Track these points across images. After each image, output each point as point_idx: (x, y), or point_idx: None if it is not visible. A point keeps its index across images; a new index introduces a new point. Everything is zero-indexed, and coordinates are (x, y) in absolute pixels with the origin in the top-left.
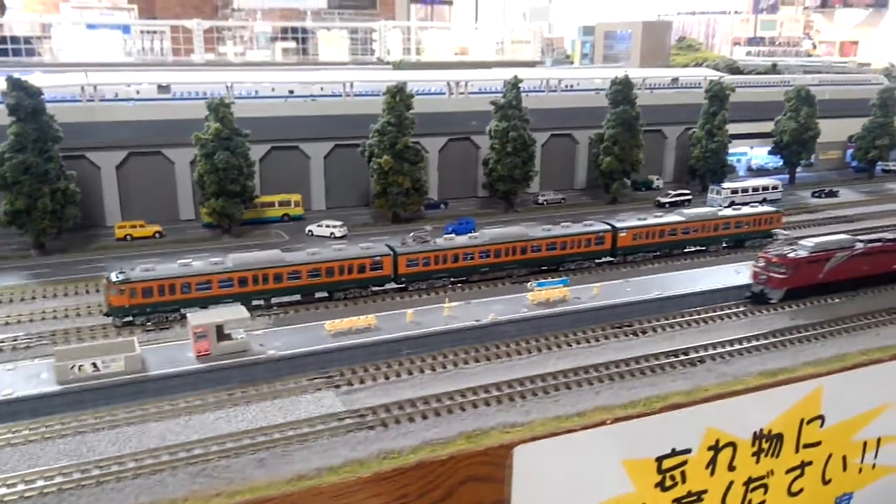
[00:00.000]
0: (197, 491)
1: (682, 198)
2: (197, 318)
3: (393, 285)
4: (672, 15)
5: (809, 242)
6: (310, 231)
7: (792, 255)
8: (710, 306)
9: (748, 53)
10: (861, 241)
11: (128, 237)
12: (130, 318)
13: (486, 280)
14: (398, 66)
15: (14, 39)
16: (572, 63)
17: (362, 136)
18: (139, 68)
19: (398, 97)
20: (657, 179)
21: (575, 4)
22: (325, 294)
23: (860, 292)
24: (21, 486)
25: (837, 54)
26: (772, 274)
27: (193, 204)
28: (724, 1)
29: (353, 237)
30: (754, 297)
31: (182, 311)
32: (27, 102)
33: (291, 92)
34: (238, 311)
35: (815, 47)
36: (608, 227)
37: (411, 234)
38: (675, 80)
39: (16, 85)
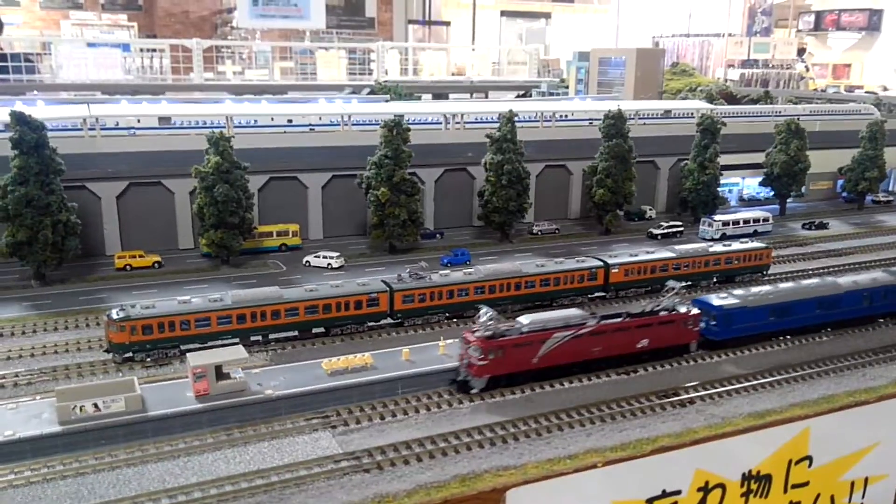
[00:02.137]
0: None
1: (675, 229)
2: (196, 358)
3: (389, 321)
4: (667, 37)
5: (526, 319)
6: (307, 262)
7: (494, 335)
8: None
9: (742, 75)
10: (595, 317)
11: (127, 267)
12: (130, 355)
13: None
14: (394, 90)
15: (14, 57)
16: (567, 87)
17: (360, 166)
18: (140, 97)
19: (395, 131)
20: (650, 210)
21: (570, 27)
22: (322, 330)
23: (847, 331)
24: None
25: (830, 77)
26: (471, 359)
27: (192, 234)
28: (718, 24)
29: (350, 268)
30: (459, 385)
31: (181, 347)
32: (30, 137)
33: (290, 121)
34: (236, 351)
35: (808, 70)
36: (600, 263)
37: (407, 269)
38: (667, 112)
39: (20, 119)
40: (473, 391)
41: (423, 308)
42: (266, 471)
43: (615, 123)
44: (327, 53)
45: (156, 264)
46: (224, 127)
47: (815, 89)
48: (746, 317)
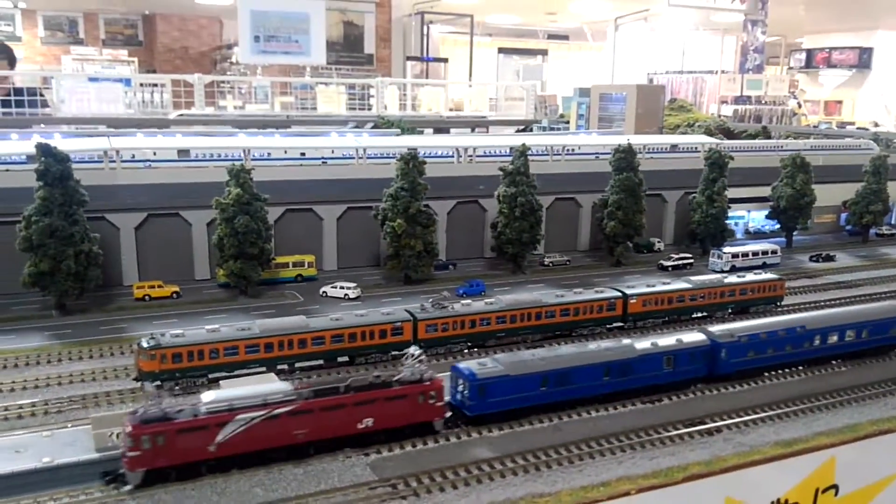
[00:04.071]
0: None
1: (684, 261)
2: (231, 384)
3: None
4: (661, 74)
5: (210, 395)
6: (324, 292)
7: (152, 418)
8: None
9: (735, 111)
10: (303, 392)
11: (146, 297)
12: (160, 384)
13: (502, 345)
14: (397, 124)
15: (17, 91)
16: (567, 122)
17: (374, 199)
18: (155, 130)
19: (411, 164)
20: (658, 242)
21: (566, 64)
22: (347, 358)
23: (865, 361)
24: None
25: (822, 113)
26: (126, 448)
27: (209, 264)
28: (711, 61)
29: (367, 298)
30: (111, 479)
31: (209, 375)
32: (55, 168)
33: (303, 154)
34: (268, 379)
35: (800, 106)
36: (619, 293)
37: (430, 299)
38: (674, 146)
39: (45, 151)
40: (127, 487)
41: (446, 337)
42: (304, 496)
43: (625, 157)
44: (327, 88)
45: (174, 294)
46: (240, 159)
47: (808, 125)
48: (509, 387)
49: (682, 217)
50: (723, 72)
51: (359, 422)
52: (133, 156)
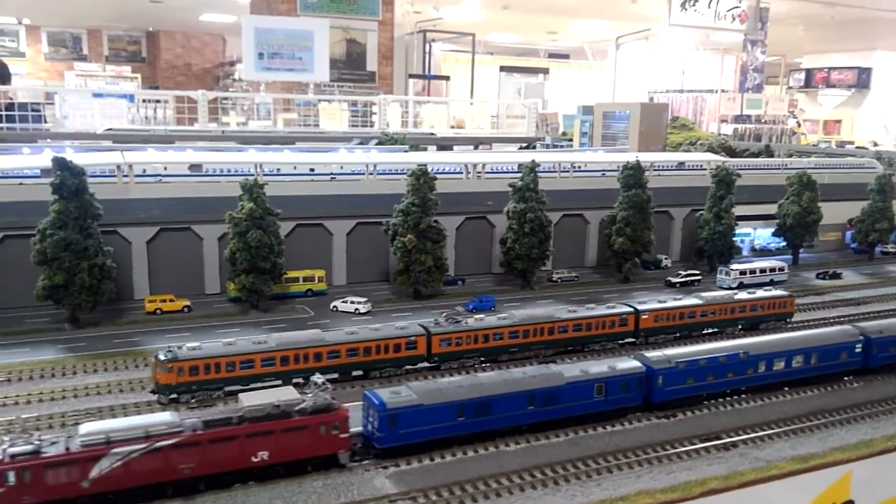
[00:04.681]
0: None
1: (692, 278)
2: (250, 398)
3: (426, 364)
4: (661, 93)
5: (87, 427)
6: (334, 307)
7: (20, 454)
8: None
9: (735, 130)
10: (189, 424)
11: (157, 311)
12: (176, 396)
13: (514, 360)
14: (401, 141)
15: (22, 106)
16: (570, 140)
17: (384, 214)
18: (165, 146)
19: (422, 179)
20: (665, 259)
21: (567, 82)
22: (361, 372)
23: (878, 378)
24: None
25: (821, 132)
26: None
27: (219, 279)
28: (710, 80)
29: (377, 313)
30: None
31: (225, 388)
32: (71, 182)
33: (312, 170)
34: (288, 392)
35: (799, 125)
36: (631, 309)
37: (443, 314)
38: (681, 164)
39: (61, 165)
40: None
41: (460, 352)
42: None
43: (634, 174)
44: (330, 105)
45: (185, 308)
46: (251, 174)
47: (808, 144)
48: (423, 417)
49: (689, 234)
50: (723, 91)
51: (253, 455)
52: (144, 170)
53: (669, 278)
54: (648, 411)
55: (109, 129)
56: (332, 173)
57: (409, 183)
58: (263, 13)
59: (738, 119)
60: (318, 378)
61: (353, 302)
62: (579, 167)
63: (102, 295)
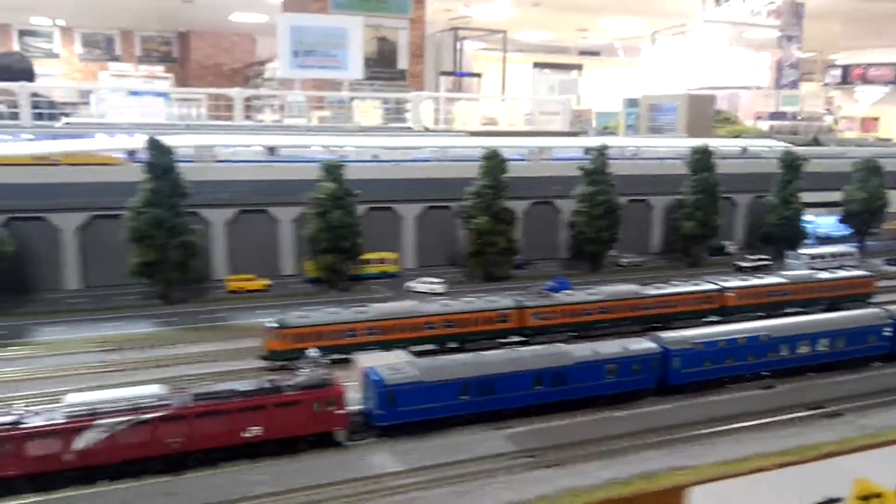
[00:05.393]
0: None
1: (761, 263)
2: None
3: (517, 338)
4: (696, 90)
5: (74, 397)
6: (410, 287)
7: (4, 423)
8: None
9: (771, 127)
10: (177, 397)
11: (239, 290)
12: (285, 362)
13: (602, 335)
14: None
15: (52, 105)
16: (614, 133)
17: (452, 198)
18: (241, 132)
19: (494, 161)
20: (730, 245)
21: (600, 79)
22: (456, 345)
23: None
24: None
25: (859, 130)
26: None
27: (294, 260)
28: (745, 77)
29: (451, 294)
30: None
31: (330, 356)
32: (163, 161)
33: (376, 156)
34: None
35: (836, 122)
36: (716, 286)
37: (534, 288)
38: (744, 149)
39: (154, 145)
40: None
41: (551, 326)
42: (450, 464)
43: (702, 158)
44: (363, 103)
45: (266, 288)
46: (323, 159)
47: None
48: (424, 395)
49: (752, 220)
50: (758, 87)
51: (243, 430)
52: (215, 156)
53: (738, 262)
54: (663, 394)
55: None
56: (394, 160)
57: (481, 166)
58: (295, 12)
59: (774, 116)
60: (312, 352)
61: (428, 282)
62: (643, 153)
63: (191, 272)
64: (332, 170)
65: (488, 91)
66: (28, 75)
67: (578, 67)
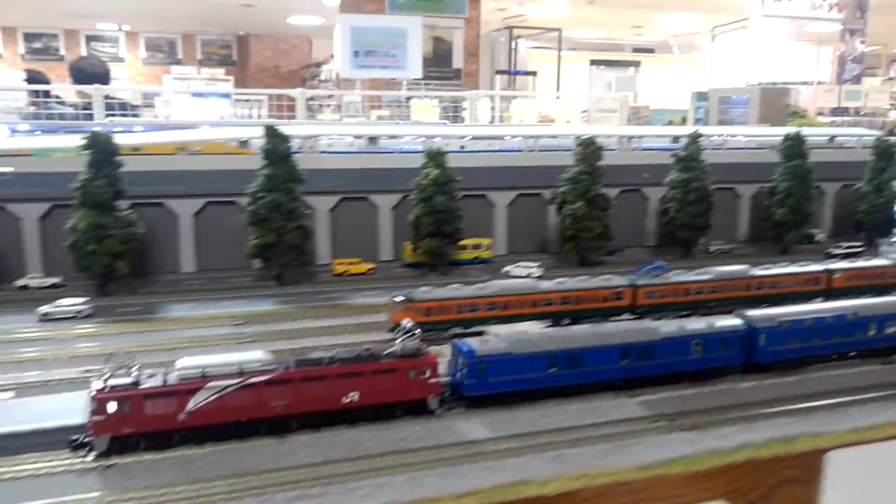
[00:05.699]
0: (559, 472)
1: (854, 249)
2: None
3: (628, 316)
4: (754, 85)
5: (183, 361)
6: (507, 271)
7: (119, 384)
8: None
9: (833, 123)
10: (281, 363)
11: (345, 273)
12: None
13: (711, 314)
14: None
15: (122, 106)
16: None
17: (543, 186)
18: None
19: (590, 148)
20: (819, 233)
21: (658, 76)
22: (569, 322)
23: None
24: None
25: None
26: (90, 412)
27: (393, 246)
28: (805, 72)
29: (547, 278)
30: (77, 446)
31: (451, 330)
32: (280, 147)
33: (463, 147)
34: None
35: None
36: (823, 269)
37: (643, 268)
38: (831, 138)
39: (272, 133)
40: (93, 454)
41: (663, 304)
42: (593, 425)
43: (795, 144)
44: (421, 102)
45: (370, 271)
46: (421, 151)
47: None
48: (513, 367)
49: (840, 209)
50: (819, 83)
51: (343, 396)
52: (330, 145)
53: (831, 250)
54: (749, 372)
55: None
56: (480, 150)
57: (577, 152)
58: (352, 13)
59: (836, 111)
60: (406, 322)
61: (525, 267)
62: (730, 143)
63: (305, 254)
64: (436, 157)
65: (542, 89)
66: (105, 79)
67: (636, 64)
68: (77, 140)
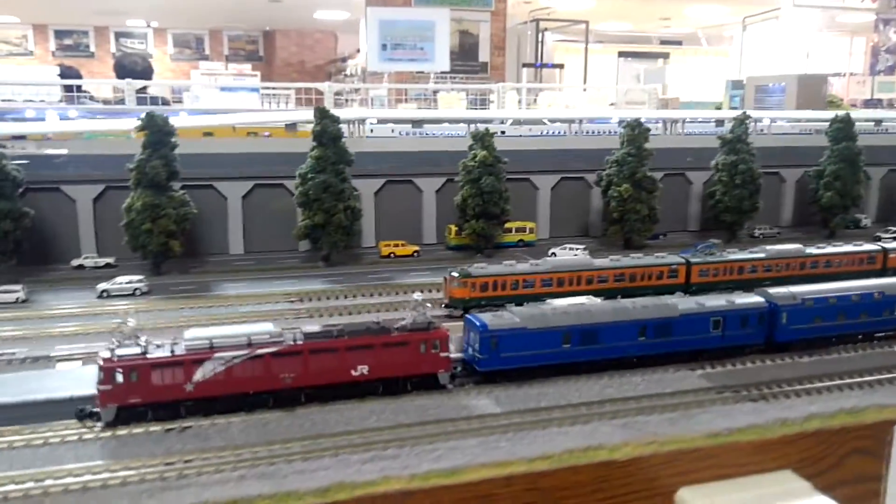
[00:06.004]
0: (631, 438)
1: None
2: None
3: (681, 294)
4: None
5: (191, 332)
6: (553, 253)
7: (126, 355)
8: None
9: None
10: (290, 334)
11: (391, 255)
12: (466, 309)
13: None
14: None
15: (154, 100)
16: None
17: (585, 169)
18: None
19: (637, 130)
20: (865, 218)
21: (686, 68)
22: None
23: None
24: None
25: None
26: (98, 381)
27: (436, 228)
28: (837, 63)
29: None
30: (84, 416)
31: (506, 305)
32: (330, 129)
33: (503, 133)
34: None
35: None
36: (878, 248)
37: (698, 246)
38: (878, 122)
39: (322, 114)
40: (100, 424)
41: (716, 282)
42: (660, 395)
43: (843, 127)
44: (448, 95)
45: (415, 253)
46: (463, 135)
47: None
48: (526, 342)
49: (886, 194)
50: (851, 74)
51: (352, 368)
52: (372, 131)
53: (879, 234)
54: (771, 351)
55: None
56: (521, 135)
57: (623, 134)
58: (379, 6)
59: (869, 103)
60: (417, 296)
61: (571, 248)
62: (774, 127)
63: (353, 235)
64: (483, 138)
65: (570, 82)
66: (148, 75)
67: (665, 56)
68: (130, 123)
